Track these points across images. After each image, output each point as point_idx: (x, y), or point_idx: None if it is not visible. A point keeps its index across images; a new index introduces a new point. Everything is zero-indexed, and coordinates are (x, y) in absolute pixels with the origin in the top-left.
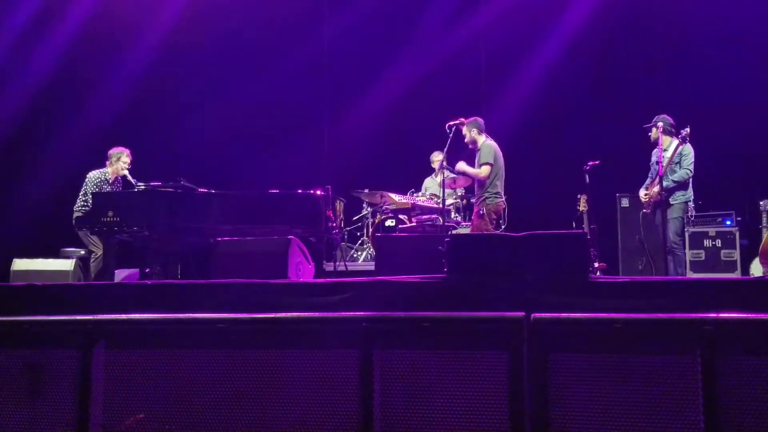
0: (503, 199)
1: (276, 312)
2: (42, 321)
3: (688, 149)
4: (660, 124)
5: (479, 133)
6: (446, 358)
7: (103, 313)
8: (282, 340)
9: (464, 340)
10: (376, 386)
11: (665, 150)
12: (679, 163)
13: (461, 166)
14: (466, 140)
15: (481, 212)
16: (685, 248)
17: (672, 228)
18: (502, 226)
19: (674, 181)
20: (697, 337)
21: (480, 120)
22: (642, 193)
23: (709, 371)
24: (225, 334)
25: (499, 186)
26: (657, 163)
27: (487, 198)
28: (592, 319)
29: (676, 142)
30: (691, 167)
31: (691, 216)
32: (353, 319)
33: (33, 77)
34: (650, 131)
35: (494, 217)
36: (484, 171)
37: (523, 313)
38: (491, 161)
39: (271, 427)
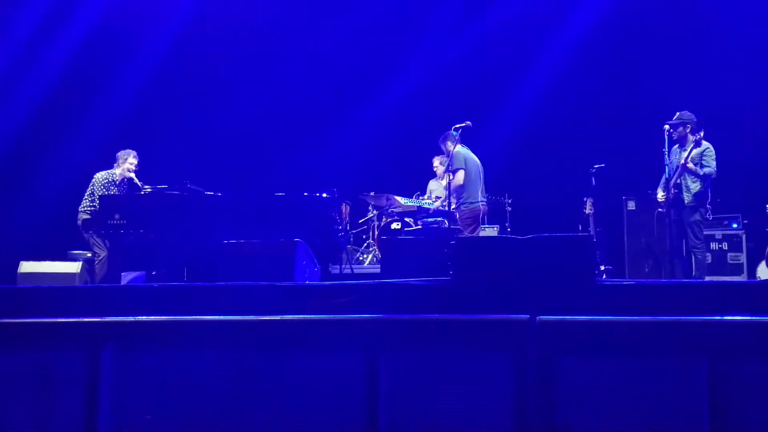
0: (480, 203)
1: (282, 315)
2: (50, 323)
3: (710, 147)
4: (688, 124)
5: (453, 144)
6: (452, 360)
7: (109, 316)
8: (288, 342)
9: (470, 342)
10: (382, 388)
11: (684, 150)
12: (699, 163)
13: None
14: (445, 153)
15: (456, 216)
16: (708, 251)
17: (692, 232)
18: (485, 228)
19: (701, 183)
20: (702, 340)
21: (451, 132)
22: (660, 192)
23: (714, 374)
24: (232, 336)
25: (474, 189)
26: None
27: (462, 204)
28: (597, 322)
29: (692, 142)
30: (714, 164)
31: (709, 217)
32: (359, 321)
33: (40, 79)
34: (674, 129)
35: (469, 221)
36: (459, 176)
37: (528, 315)
38: (463, 166)
39: (277, 430)
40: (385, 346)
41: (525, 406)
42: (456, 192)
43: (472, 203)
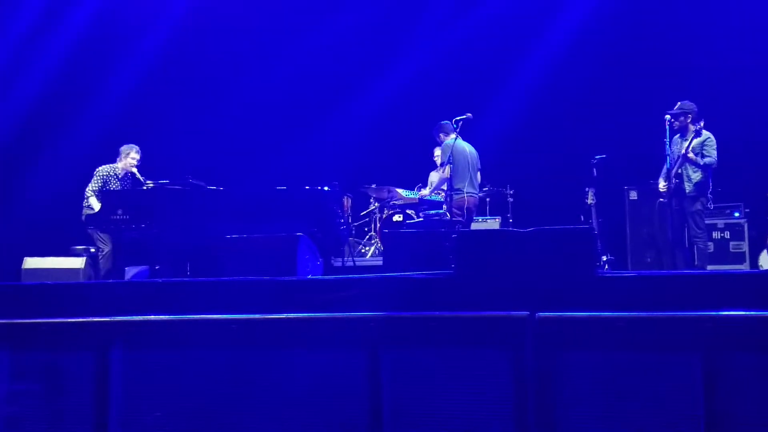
0: (467, 194)
1: (285, 309)
2: (59, 323)
3: (711, 136)
4: (689, 114)
5: (445, 135)
6: (452, 357)
7: (114, 312)
8: (292, 341)
9: (469, 339)
10: (384, 386)
11: (686, 140)
12: (700, 153)
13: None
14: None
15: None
16: (710, 240)
17: (693, 222)
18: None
19: (702, 172)
20: (697, 335)
21: (443, 123)
22: (661, 182)
23: (709, 370)
24: (237, 334)
25: (460, 180)
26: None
27: (450, 195)
28: (595, 318)
29: (693, 132)
30: (715, 154)
31: (710, 207)
32: (360, 319)
33: (41, 75)
34: (675, 118)
35: (457, 212)
36: (446, 172)
37: (527, 312)
38: (448, 160)
39: (281, 429)
40: (387, 344)
41: (524, 402)
42: (444, 184)
43: (458, 194)
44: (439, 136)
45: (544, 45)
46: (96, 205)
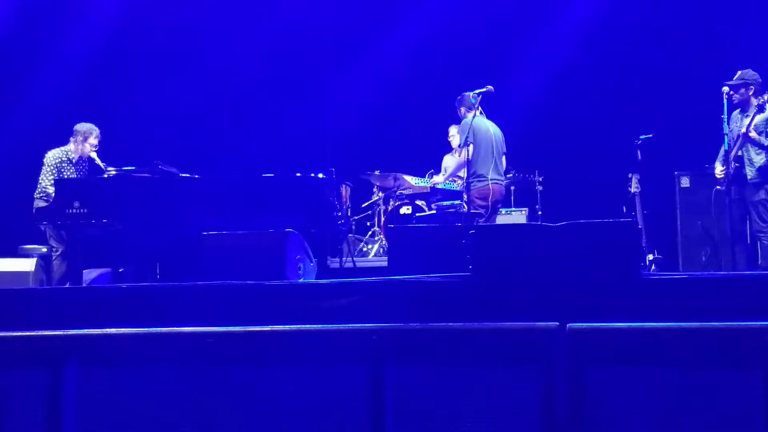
0: (491, 181)
1: (273, 319)
2: (4, 337)
3: None
4: (752, 86)
5: (467, 111)
6: (469, 375)
7: (70, 324)
8: (280, 357)
9: (489, 355)
10: (389, 408)
11: (747, 116)
12: (764, 132)
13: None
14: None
15: (465, 199)
16: None
17: (756, 213)
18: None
19: (767, 155)
20: (759, 349)
21: (466, 95)
22: (718, 167)
23: None
24: (215, 350)
25: (483, 166)
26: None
27: (470, 182)
28: (637, 330)
29: (756, 106)
30: None
31: None
32: (362, 332)
33: None
34: (735, 91)
35: (480, 203)
36: (462, 155)
37: (557, 323)
38: (462, 142)
39: None
40: (392, 360)
41: (554, 429)
42: (462, 169)
43: (481, 181)
44: (460, 111)
45: (579, 5)
46: None
